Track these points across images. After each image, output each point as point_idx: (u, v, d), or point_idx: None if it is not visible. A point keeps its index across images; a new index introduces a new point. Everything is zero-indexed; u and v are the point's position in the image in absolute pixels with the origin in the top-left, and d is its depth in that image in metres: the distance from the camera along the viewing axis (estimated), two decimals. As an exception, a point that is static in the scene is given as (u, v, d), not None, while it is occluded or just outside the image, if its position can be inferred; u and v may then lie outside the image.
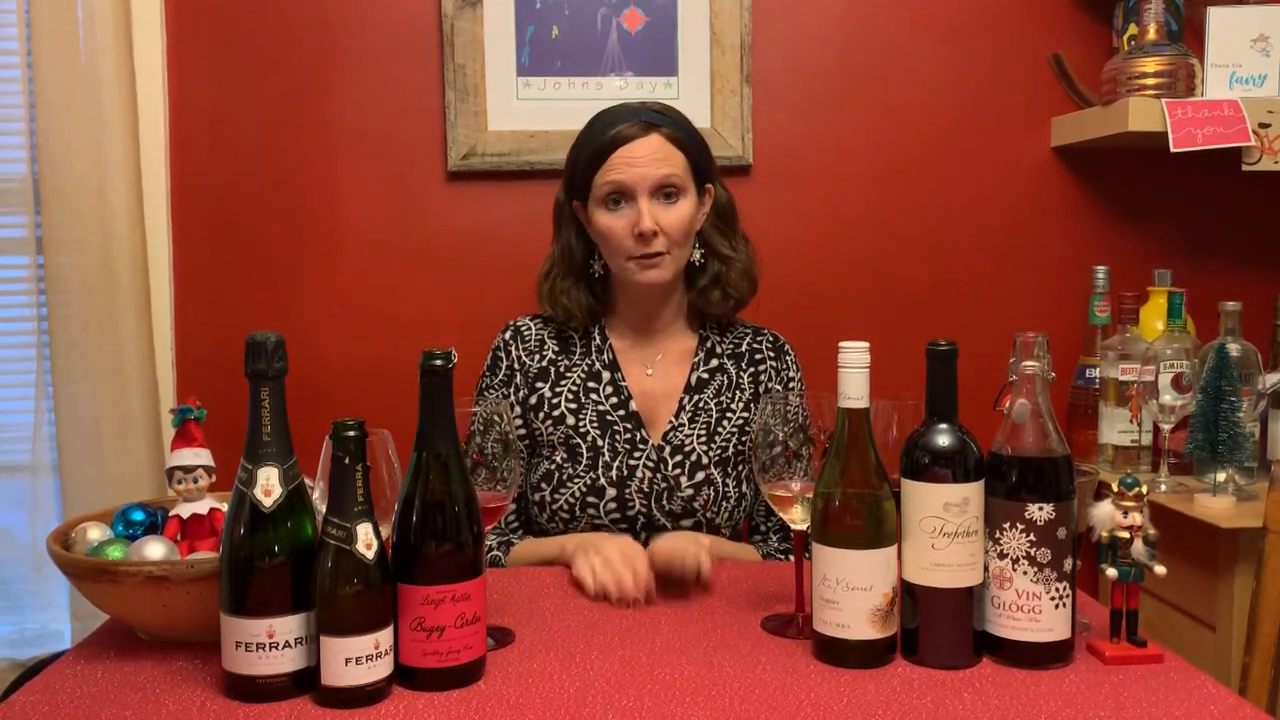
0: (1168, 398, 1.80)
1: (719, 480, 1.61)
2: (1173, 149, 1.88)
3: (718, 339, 1.70)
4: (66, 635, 2.02)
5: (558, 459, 1.62)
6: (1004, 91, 2.15)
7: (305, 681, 1.05)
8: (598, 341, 1.68)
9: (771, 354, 1.71)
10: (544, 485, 1.62)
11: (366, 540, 1.04)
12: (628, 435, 1.62)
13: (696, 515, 1.61)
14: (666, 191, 1.57)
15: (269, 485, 1.05)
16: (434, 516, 1.07)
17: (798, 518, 1.23)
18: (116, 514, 1.26)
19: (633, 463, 1.60)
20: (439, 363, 1.08)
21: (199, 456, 1.21)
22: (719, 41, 2.08)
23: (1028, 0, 2.14)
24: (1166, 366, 1.80)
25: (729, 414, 1.65)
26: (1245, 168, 1.93)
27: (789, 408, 1.22)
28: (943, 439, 1.11)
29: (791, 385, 1.71)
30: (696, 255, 1.65)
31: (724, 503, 1.62)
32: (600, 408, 1.63)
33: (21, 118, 1.97)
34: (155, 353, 2.00)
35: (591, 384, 1.64)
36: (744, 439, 1.65)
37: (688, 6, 2.08)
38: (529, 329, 1.70)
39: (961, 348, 1.14)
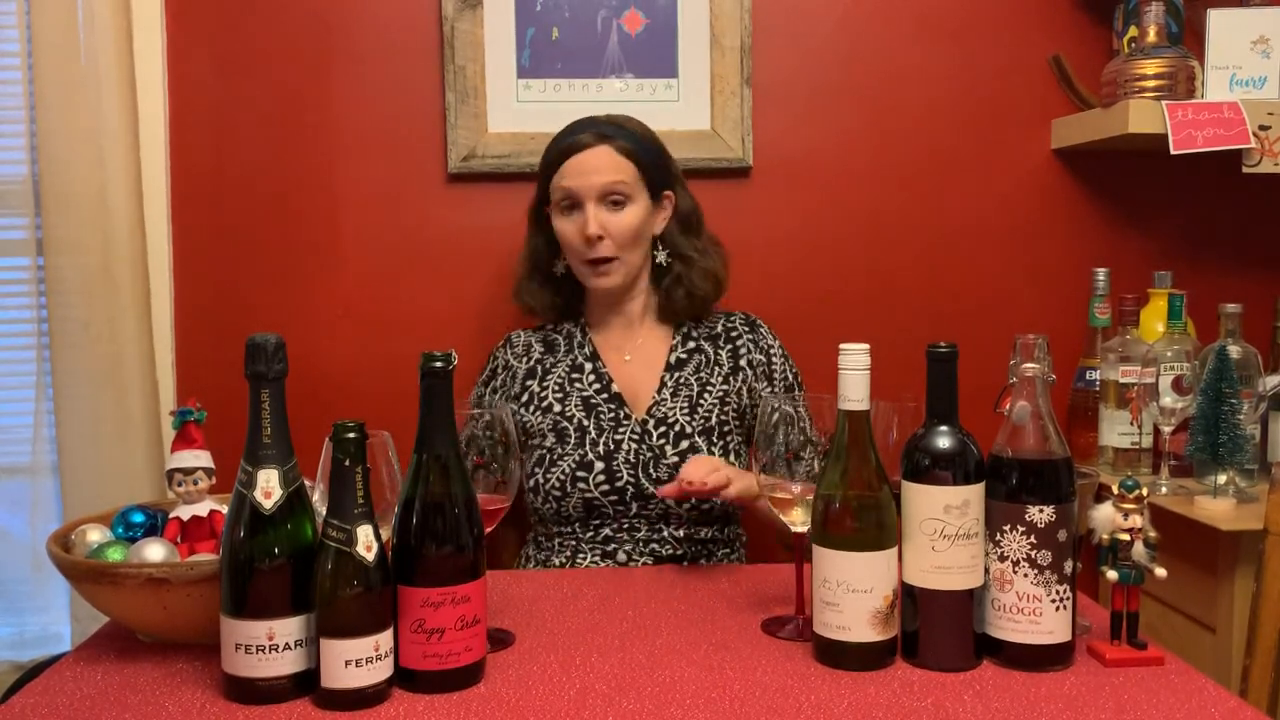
0: (1168, 400, 1.80)
1: (704, 448, 1.67)
2: (1173, 151, 1.88)
3: (692, 325, 1.79)
4: (66, 637, 2.01)
5: (547, 444, 1.68)
6: (1004, 93, 2.15)
7: (305, 684, 1.05)
8: (579, 338, 1.77)
9: (746, 328, 1.80)
10: (536, 469, 1.68)
11: (366, 542, 1.04)
12: (612, 414, 1.69)
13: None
14: (614, 199, 1.68)
15: (269, 487, 1.05)
16: (434, 518, 1.07)
17: (798, 520, 1.23)
18: (116, 516, 1.26)
19: (618, 437, 1.67)
20: (439, 364, 1.08)
21: (199, 458, 1.21)
22: (719, 43, 2.08)
23: (1028, 2, 2.14)
24: (1167, 369, 1.79)
25: (709, 388, 1.72)
26: (1245, 170, 1.92)
27: (790, 410, 1.22)
28: (943, 441, 1.11)
29: (772, 351, 1.78)
30: (662, 257, 1.76)
31: None
32: (584, 393, 1.71)
33: (22, 119, 1.97)
34: (155, 354, 2.00)
35: (575, 375, 1.74)
36: (725, 410, 1.71)
37: (688, 8, 2.08)
38: (519, 336, 1.82)
39: (962, 349, 1.14)
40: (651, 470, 1.65)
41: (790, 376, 1.78)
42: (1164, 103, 1.90)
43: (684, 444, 1.67)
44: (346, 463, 1.04)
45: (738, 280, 2.10)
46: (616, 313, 1.77)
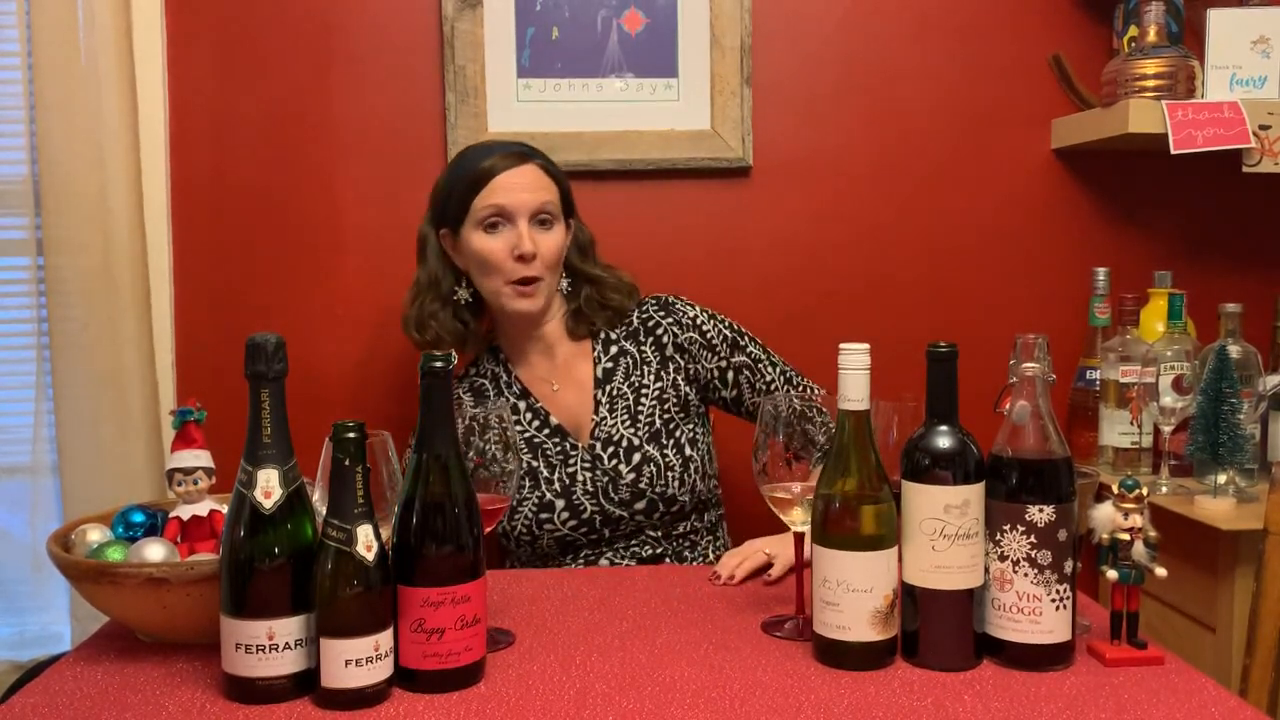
0: (1168, 399, 1.80)
1: (656, 455, 1.65)
2: (1173, 151, 1.88)
3: (608, 330, 1.74)
4: (66, 637, 2.01)
5: None
6: (1004, 93, 2.15)
7: (305, 683, 1.05)
8: (505, 379, 1.73)
9: (661, 314, 1.74)
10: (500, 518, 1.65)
11: (366, 542, 1.04)
12: (558, 448, 1.67)
13: (646, 494, 1.64)
14: (542, 218, 1.64)
15: (269, 487, 1.05)
16: (434, 518, 1.07)
17: (798, 519, 1.23)
18: (116, 516, 1.26)
19: (570, 470, 1.65)
20: (439, 364, 1.08)
21: (199, 458, 1.21)
22: (719, 43, 2.08)
23: (1028, 2, 2.14)
24: (1167, 368, 1.79)
25: (644, 390, 1.69)
26: (1245, 169, 1.92)
27: (790, 409, 1.22)
28: (943, 441, 1.11)
29: (698, 320, 1.72)
30: (564, 284, 1.73)
31: (669, 473, 1.65)
32: (526, 434, 1.68)
33: (21, 119, 1.97)
34: (155, 354, 2.00)
35: (512, 418, 1.69)
36: (666, 406, 1.69)
37: (688, 8, 2.08)
38: None
39: (962, 349, 1.14)
40: (612, 493, 1.64)
41: (728, 333, 1.72)
42: (1164, 102, 1.90)
43: (635, 457, 1.65)
44: (346, 463, 1.04)
45: (738, 280, 2.11)
46: (534, 339, 1.72)
